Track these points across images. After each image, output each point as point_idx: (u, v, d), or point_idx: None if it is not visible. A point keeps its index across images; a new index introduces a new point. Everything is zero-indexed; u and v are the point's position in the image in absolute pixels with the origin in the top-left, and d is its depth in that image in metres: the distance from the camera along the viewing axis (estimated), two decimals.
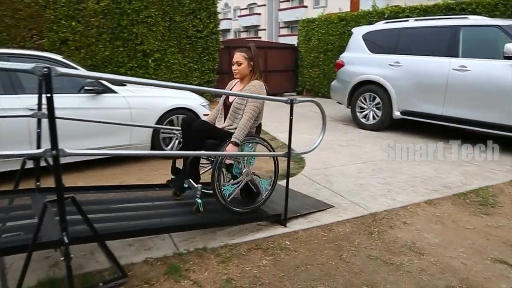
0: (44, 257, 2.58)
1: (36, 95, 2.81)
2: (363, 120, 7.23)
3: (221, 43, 10.47)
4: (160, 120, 4.83)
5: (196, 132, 2.97)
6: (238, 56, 3.21)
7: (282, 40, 29.60)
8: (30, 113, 3.05)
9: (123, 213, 2.94)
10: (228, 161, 3.00)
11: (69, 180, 3.82)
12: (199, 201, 2.92)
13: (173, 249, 2.80)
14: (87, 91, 4.35)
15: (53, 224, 2.26)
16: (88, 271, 2.48)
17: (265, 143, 3.23)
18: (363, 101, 7.20)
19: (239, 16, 42.51)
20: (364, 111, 7.20)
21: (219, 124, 3.22)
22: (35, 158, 2.85)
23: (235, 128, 3.02)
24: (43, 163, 2.89)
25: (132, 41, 8.79)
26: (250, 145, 3.10)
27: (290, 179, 4.24)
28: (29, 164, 3.00)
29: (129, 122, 4.45)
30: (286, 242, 2.94)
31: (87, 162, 4.60)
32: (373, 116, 7.08)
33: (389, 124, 6.89)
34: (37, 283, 2.31)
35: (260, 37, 38.12)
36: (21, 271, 2.02)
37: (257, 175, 3.28)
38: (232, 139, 2.92)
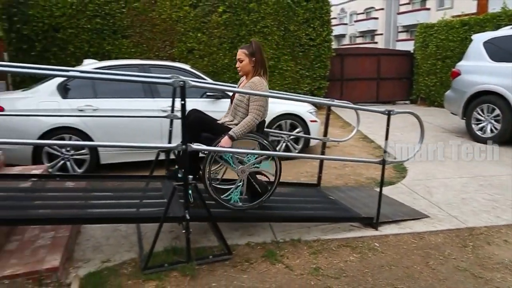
0: (169, 231, 3.20)
1: (167, 99, 3.45)
2: (478, 133, 6.80)
3: (333, 50, 10.70)
4: (269, 124, 5.33)
5: (190, 124, 2.97)
6: (239, 53, 3.13)
7: (400, 45, 28.45)
8: (163, 114, 3.74)
9: None
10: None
11: None
12: (189, 192, 2.92)
13: (271, 237, 3.21)
14: (208, 96, 5.04)
15: (178, 204, 2.84)
16: (202, 246, 3.02)
17: (265, 142, 3.09)
18: (480, 113, 6.78)
19: (355, 21, 41.82)
20: (481, 123, 6.78)
21: (224, 119, 3.24)
22: (168, 151, 3.52)
23: (235, 124, 3.04)
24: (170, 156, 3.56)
25: None
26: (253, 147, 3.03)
27: (389, 187, 4.40)
28: (161, 156, 3.70)
29: None
30: (375, 243, 3.12)
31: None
32: (490, 129, 6.63)
33: (509, 138, 6.39)
34: (164, 249, 2.91)
35: (376, 42, 37.04)
36: (154, 238, 2.62)
37: (256, 170, 3.10)
38: (230, 132, 2.89)
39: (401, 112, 3.43)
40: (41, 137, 4.50)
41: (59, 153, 4.67)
